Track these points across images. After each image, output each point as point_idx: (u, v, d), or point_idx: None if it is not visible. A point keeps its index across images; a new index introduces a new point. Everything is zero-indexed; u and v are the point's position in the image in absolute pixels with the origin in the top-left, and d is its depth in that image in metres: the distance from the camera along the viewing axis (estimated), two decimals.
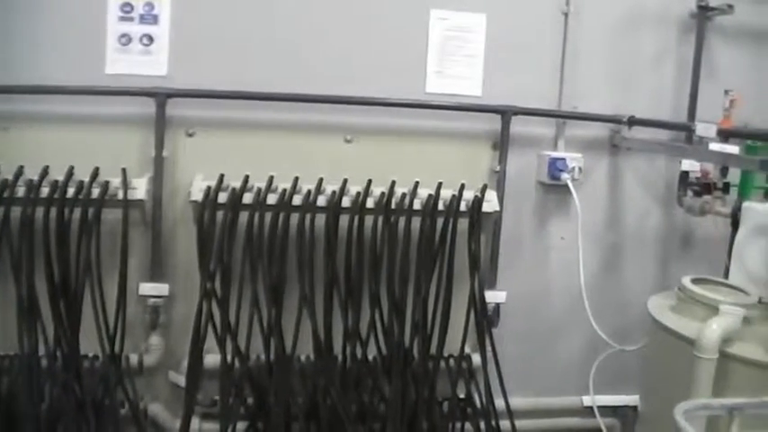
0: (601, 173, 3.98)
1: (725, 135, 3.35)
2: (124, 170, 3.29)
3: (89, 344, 3.33)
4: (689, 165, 3.82)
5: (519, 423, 3.70)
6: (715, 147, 3.36)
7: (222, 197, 3.33)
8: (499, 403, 3.64)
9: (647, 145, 3.90)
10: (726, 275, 3.44)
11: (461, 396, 3.71)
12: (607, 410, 4.06)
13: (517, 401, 3.79)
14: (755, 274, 3.23)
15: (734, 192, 3.72)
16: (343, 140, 3.65)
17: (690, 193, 3.87)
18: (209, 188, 3.32)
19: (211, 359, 3.48)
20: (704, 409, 2.37)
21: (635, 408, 3.91)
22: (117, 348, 3.35)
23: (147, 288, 3.49)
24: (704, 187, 3.76)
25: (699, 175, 3.83)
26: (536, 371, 4.03)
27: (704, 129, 3.27)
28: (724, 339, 2.83)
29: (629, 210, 4.05)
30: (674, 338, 3.04)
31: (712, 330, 2.83)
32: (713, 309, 2.96)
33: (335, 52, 3.60)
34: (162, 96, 3.41)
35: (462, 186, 3.49)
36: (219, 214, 3.33)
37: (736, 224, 3.43)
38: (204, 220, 3.31)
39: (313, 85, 3.52)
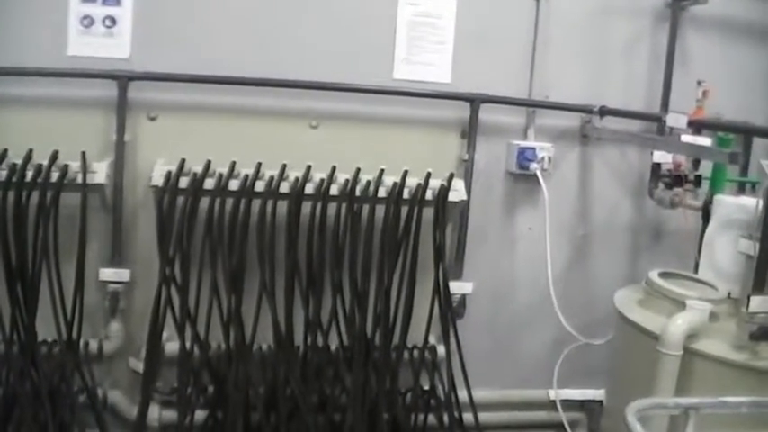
0: (571, 163, 3.80)
1: (697, 126, 3.18)
2: (83, 154, 3.11)
3: (48, 330, 3.15)
4: (661, 156, 3.63)
5: (483, 416, 3.55)
6: (686, 138, 3.20)
7: (183, 182, 3.15)
8: (463, 395, 3.47)
9: (618, 135, 3.72)
10: (696, 270, 3.27)
11: (424, 387, 3.54)
12: (573, 404, 3.90)
13: (481, 394, 3.63)
14: (724, 268, 3.09)
15: (706, 185, 3.53)
16: (308, 126, 3.47)
17: (661, 185, 3.67)
18: (169, 173, 3.14)
19: (171, 347, 3.31)
20: (658, 408, 2.21)
21: (602, 402, 3.76)
22: (74, 334, 3.17)
23: (107, 274, 3.31)
24: (676, 179, 3.58)
25: (671, 167, 3.64)
26: (501, 363, 3.87)
27: (674, 119, 3.09)
28: (689, 335, 2.69)
29: (599, 201, 3.88)
30: (640, 333, 2.89)
31: (677, 326, 2.69)
32: (680, 304, 2.81)
33: (302, 36, 3.42)
34: (124, 79, 3.23)
35: (428, 175, 3.31)
36: (181, 200, 3.14)
37: (706, 217, 3.27)
38: (164, 205, 3.13)
39: (278, 70, 3.35)
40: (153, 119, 3.35)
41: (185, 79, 3.28)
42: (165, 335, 3.30)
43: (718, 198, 3.22)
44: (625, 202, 3.90)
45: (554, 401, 3.84)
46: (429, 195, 3.32)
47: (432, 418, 3.53)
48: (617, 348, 3.19)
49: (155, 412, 3.38)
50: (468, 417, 3.50)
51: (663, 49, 3.73)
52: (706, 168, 3.56)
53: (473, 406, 3.48)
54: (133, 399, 3.40)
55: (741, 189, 3.64)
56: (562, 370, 3.76)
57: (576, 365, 3.75)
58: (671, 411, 2.21)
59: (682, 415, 2.19)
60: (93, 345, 3.36)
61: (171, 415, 3.36)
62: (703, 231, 3.26)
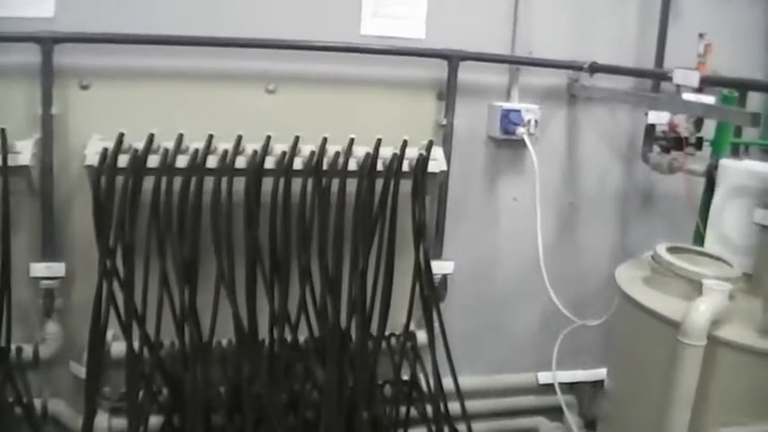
0: (557, 126, 3.34)
1: (703, 84, 2.72)
2: (3, 131, 2.55)
3: None
4: (656, 117, 3.19)
5: (469, 404, 3.09)
6: (689, 97, 2.75)
7: (123, 160, 2.62)
8: (447, 384, 3.03)
9: (610, 94, 3.25)
10: (696, 239, 2.88)
11: (405, 378, 3.08)
12: (563, 387, 3.43)
13: (466, 381, 3.16)
14: (734, 240, 2.68)
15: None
16: (264, 91, 2.95)
17: (656, 148, 3.24)
18: (106, 150, 2.60)
19: (118, 347, 2.82)
20: None
21: (593, 383, 3.40)
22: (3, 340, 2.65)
23: (39, 269, 2.77)
24: (675, 142, 3.13)
25: (666, 128, 3.20)
26: (487, 347, 3.43)
27: (683, 76, 2.62)
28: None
29: (588, 167, 3.43)
30: (652, 318, 2.45)
31: (700, 313, 2.25)
32: (694, 283, 2.40)
33: None
34: (48, 42, 2.66)
35: (405, 143, 2.83)
36: (121, 180, 2.62)
37: (711, 184, 2.84)
38: (101, 187, 2.60)
39: (229, 27, 2.82)
40: (85, 87, 2.80)
41: (121, 40, 2.74)
42: (110, 334, 2.79)
43: (725, 163, 2.79)
44: (615, 166, 3.46)
45: (544, 386, 3.44)
46: (405, 166, 2.84)
47: (414, 412, 3.08)
48: (622, 332, 2.75)
49: (103, 421, 2.89)
50: (453, 406, 3.05)
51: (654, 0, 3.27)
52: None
53: (460, 395, 3.04)
54: (78, 407, 2.89)
55: (735, 151, 3.22)
56: (549, 350, 3.30)
57: (565, 345, 3.28)
58: None
59: None
60: (28, 350, 2.82)
61: (122, 423, 2.85)
62: (706, 199, 2.85)
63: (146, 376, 2.78)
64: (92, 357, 2.71)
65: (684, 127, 3.12)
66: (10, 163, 2.59)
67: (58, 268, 2.79)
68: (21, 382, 2.76)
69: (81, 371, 2.85)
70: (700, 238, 2.87)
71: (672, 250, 2.65)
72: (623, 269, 2.79)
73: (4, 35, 2.64)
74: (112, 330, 2.80)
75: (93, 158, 2.62)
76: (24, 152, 2.63)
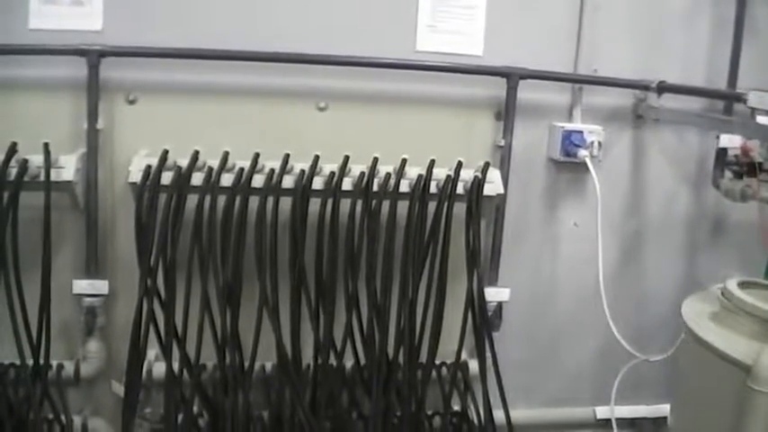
0: (622, 148, 3.10)
1: None
2: (46, 145, 2.46)
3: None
4: (728, 140, 2.96)
5: None
6: (764, 120, 2.53)
7: (167, 178, 2.51)
8: (498, 416, 2.82)
9: (680, 116, 3.01)
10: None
11: (454, 409, 2.91)
12: (623, 423, 3.23)
13: (519, 414, 3.00)
14: None
15: None
16: (315, 108, 2.81)
17: (728, 173, 3.01)
18: (149, 167, 2.50)
19: (160, 368, 2.69)
20: None
21: (654, 420, 3.18)
22: (41, 357, 2.55)
23: (82, 286, 2.67)
24: (748, 168, 2.90)
25: (738, 152, 2.97)
26: (542, 379, 3.22)
27: (759, 99, 2.40)
28: None
29: (654, 192, 3.18)
30: (719, 359, 2.24)
31: None
32: (766, 322, 2.20)
33: (306, 2, 2.75)
34: (94, 55, 2.55)
35: (460, 164, 2.66)
36: (164, 198, 2.52)
37: None
38: (143, 205, 2.49)
39: (280, 42, 2.68)
40: (132, 102, 2.70)
41: (169, 54, 2.63)
42: (152, 354, 2.70)
43: None
44: (683, 192, 3.20)
45: (602, 421, 3.21)
46: (460, 189, 2.67)
47: None
48: (687, 370, 2.53)
49: None
50: None
51: (726, 16, 3.02)
52: None
53: (511, 428, 2.83)
54: (118, 427, 2.74)
55: None
56: (607, 384, 3.11)
57: (626, 379, 3.08)
58: None
59: None
60: (69, 367, 2.73)
61: None
62: None
63: (185, 399, 2.66)
64: (130, 377, 2.59)
65: (758, 152, 2.88)
66: (53, 178, 2.48)
67: (100, 285, 2.68)
68: (59, 400, 2.66)
69: (122, 390, 2.71)
70: None
71: (743, 285, 2.43)
72: (690, 303, 2.57)
73: (51, 48, 2.55)
74: (155, 351, 2.68)
75: (136, 175, 2.51)
76: (68, 167, 2.52)
